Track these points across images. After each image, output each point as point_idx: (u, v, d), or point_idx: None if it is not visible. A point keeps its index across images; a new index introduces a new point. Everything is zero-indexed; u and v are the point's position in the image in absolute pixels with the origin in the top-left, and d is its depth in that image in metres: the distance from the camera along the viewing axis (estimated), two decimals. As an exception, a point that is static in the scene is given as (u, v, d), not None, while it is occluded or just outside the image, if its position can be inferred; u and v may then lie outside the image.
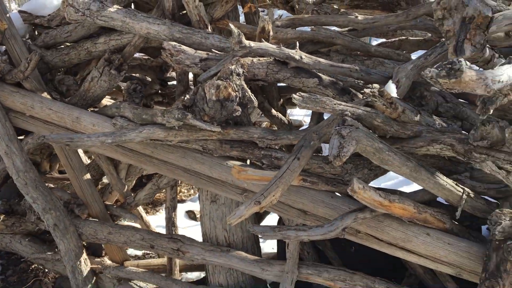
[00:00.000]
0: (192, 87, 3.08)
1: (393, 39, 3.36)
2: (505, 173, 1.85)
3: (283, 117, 2.95)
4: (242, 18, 3.14)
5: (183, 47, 2.31)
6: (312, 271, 2.63)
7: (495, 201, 2.42)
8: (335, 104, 2.04)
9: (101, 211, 3.30)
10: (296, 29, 2.82)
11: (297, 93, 1.95)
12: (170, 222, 3.30)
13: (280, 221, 3.22)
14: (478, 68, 1.50)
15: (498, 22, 2.45)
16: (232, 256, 2.78)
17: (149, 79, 3.78)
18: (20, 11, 3.20)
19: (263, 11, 11.21)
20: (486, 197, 2.38)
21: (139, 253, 4.28)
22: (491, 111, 1.57)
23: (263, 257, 3.02)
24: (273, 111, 2.96)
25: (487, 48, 2.07)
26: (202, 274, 3.80)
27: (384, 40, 3.54)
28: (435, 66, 1.29)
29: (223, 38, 2.46)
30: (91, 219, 3.26)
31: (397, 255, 2.41)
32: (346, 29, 3.01)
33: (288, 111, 8.59)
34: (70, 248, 3.14)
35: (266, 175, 2.33)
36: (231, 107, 2.12)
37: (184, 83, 2.80)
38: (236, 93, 2.10)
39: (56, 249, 3.66)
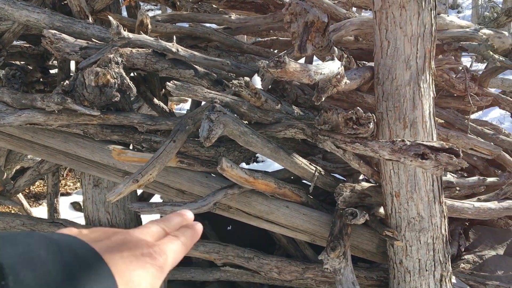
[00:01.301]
0: (75, 75, 3.16)
1: (266, 39, 3.73)
2: (342, 151, 2.26)
3: (164, 106, 3.17)
4: (124, 12, 3.29)
5: (63, 35, 2.42)
6: (189, 246, 2.88)
7: (343, 178, 2.89)
8: (205, 92, 2.32)
9: (-23, 200, 3.25)
10: (175, 24, 3.05)
11: (171, 81, 2.19)
12: (52, 208, 3.35)
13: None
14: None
15: (346, 28, 2.92)
16: (114, 236, 2.93)
17: (30, 67, 3.75)
18: None
19: (157, 5, 11.25)
20: (335, 175, 2.83)
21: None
22: (323, 98, 1.95)
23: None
24: (155, 100, 3.16)
25: (335, 49, 2.49)
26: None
27: (259, 39, 3.92)
28: (267, 59, 1.62)
29: (103, 29, 2.60)
30: (-34, 207, 3.19)
31: (263, 226, 2.76)
32: (222, 27, 3.30)
33: (180, 105, 8.72)
34: None
35: (145, 157, 2.54)
36: (110, 93, 2.29)
37: (65, 70, 2.89)
38: (115, 80, 2.28)
39: None
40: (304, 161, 2.59)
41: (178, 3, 3.43)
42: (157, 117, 2.67)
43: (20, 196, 3.56)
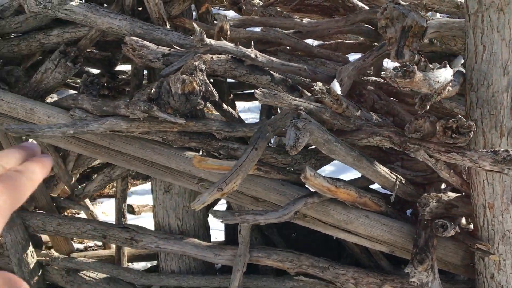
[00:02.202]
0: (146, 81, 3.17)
1: (330, 42, 3.66)
2: (434, 161, 2.17)
3: (233, 111, 3.14)
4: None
5: (145, 42, 2.42)
6: (262, 254, 2.84)
7: (422, 187, 2.79)
8: (290, 99, 2.26)
9: (47, 203, 3.29)
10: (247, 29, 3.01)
11: (259, 89, 2.15)
12: (120, 213, 3.36)
13: (229, 209, 3.41)
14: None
15: (425, 31, 2.81)
16: (185, 243, 2.92)
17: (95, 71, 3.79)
18: (-40, -1, 3.10)
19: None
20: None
21: (80, 246, 4.26)
22: (428, 106, 1.87)
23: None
24: (224, 106, 3.13)
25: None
26: (148, 264, 3.89)
27: (321, 42, 3.84)
28: (392, 69, 1.55)
29: (182, 35, 2.59)
30: (38, 211, 3.24)
31: (339, 236, 2.69)
32: (292, 31, 3.24)
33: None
34: (17, 241, 3.10)
35: (224, 164, 2.51)
36: (196, 101, 2.26)
37: (139, 76, 2.89)
38: (200, 87, 2.26)
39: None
40: (385, 169, 2.51)
41: (244, 7, 3.40)
42: (234, 124, 2.63)
43: (87, 201, 3.60)
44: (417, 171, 2.72)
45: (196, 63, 2.26)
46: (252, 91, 3.71)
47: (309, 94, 2.66)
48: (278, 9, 3.56)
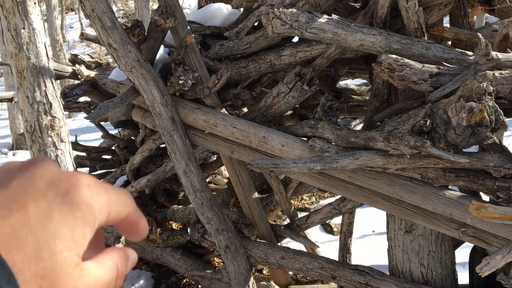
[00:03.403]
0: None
1: None
2: None
3: (495, 138, 2.52)
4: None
5: (407, 60, 1.98)
6: (545, 325, 2.18)
7: None
8: None
9: (267, 231, 3.10)
10: None
11: None
12: (345, 249, 3.00)
13: (474, 254, 2.81)
14: None
15: None
16: (434, 297, 2.42)
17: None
18: (189, 22, 3.08)
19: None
20: None
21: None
22: None
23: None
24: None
25: None
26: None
27: None
28: None
29: (446, 47, 2.09)
30: (259, 240, 3.06)
31: None
32: None
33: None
34: (240, 272, 2.96)
35: (508, 212, 1.94)
36: (484, 134, 1.75)
37: (380, 98, 2.48)
38: (491, 116, 1.73)
39: (216, 268, 3.55)
40: None
41: (497, 6, 2.75)
42: (515, 158, 2.04)
43: (306, 232, 3.32)
44: None
45: (484, 84, 1.74)
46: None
47: None
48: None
